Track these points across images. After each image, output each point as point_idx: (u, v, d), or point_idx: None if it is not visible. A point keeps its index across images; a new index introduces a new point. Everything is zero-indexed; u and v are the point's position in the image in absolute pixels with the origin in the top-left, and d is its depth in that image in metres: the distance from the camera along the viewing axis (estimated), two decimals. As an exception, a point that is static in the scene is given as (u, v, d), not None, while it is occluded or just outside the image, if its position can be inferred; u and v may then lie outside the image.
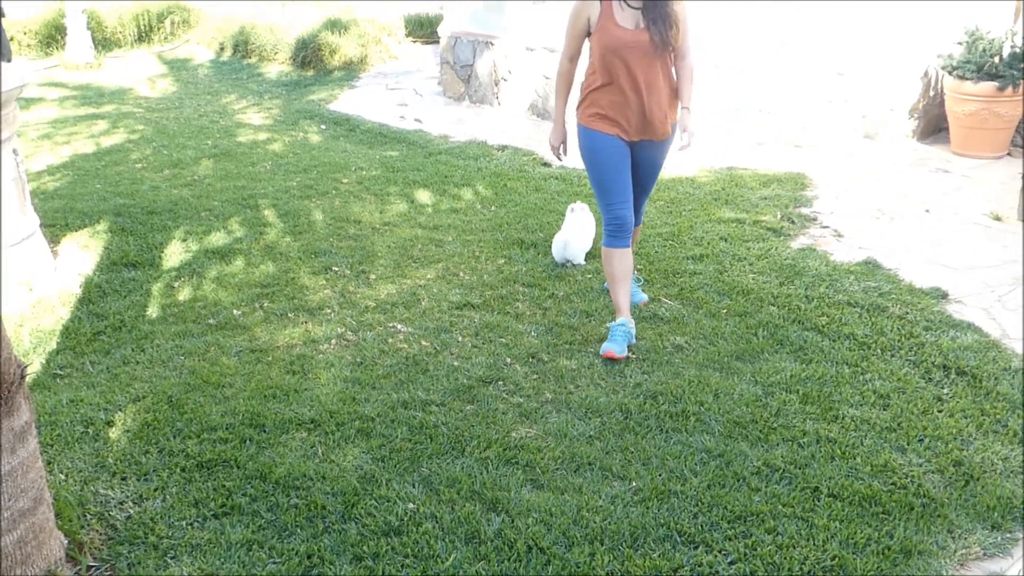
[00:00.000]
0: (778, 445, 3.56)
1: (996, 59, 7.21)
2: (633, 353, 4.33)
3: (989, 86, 7.16)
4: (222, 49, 13.87)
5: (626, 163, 4.33)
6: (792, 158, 7.59)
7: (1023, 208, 5.95)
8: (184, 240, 5.88)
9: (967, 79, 7.27)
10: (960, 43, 7.45)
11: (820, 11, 7.93)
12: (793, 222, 6.08)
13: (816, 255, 5.48)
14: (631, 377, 4.11)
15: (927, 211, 6.23)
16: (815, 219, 6.14)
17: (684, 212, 6.31)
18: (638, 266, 5.23)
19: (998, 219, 5.99)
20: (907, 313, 4.65)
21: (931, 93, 7.80)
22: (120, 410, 3.85)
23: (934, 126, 7.96)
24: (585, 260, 5.44)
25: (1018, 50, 7.18)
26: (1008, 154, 7.42)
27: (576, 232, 5.37)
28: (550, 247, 5.67)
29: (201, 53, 14.03)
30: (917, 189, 6.66)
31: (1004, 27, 7.46)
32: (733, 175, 7.16)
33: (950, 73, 7.43)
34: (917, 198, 6.48)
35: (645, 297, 4.89)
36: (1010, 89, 7.12)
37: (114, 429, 3.72)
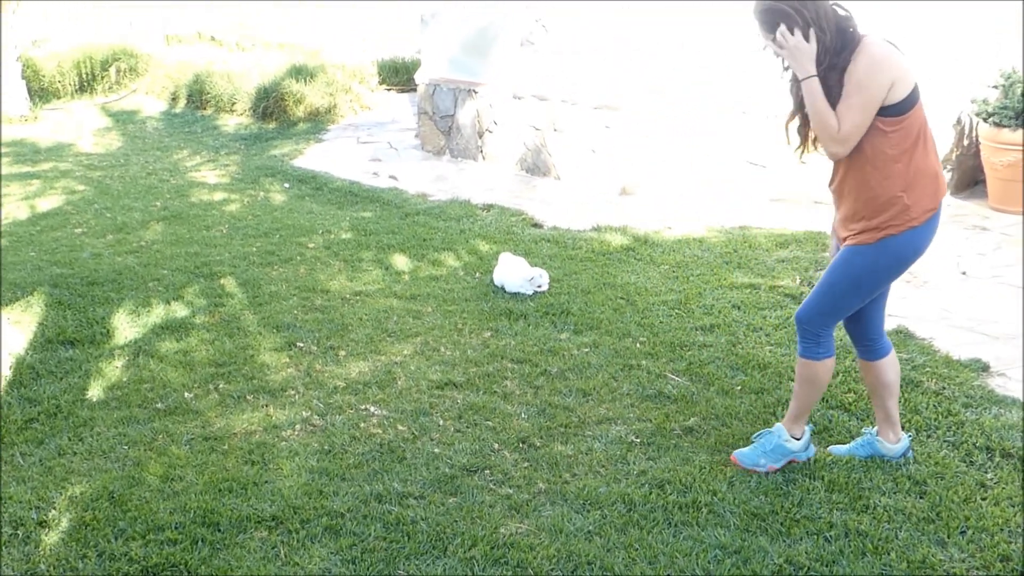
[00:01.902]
0: (801, 539, 3.57)
1: (1035, 104, 7.37)
2: (637, 437, 4.35)
3: (1029, 134, 7.30)
4: (174, 99, 14.05)
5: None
6: (811, 215, 7.70)
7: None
8: (129, 314, 5.91)
9: (1004, 126, 7.42)
10: (995, 86, 7.62)
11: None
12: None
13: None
14: (635, 464, 4.13)
15: (964, 273, 6.31)
16: (839, 283, 6.20)
17: (692, 277, 6.39)
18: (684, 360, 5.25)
19: (1043, 281, 6.07)
20: (944, 388, 4.70)
21: (965, 142, 7.95)
22: (54, 508, 3.83)
23: (969, 178, 8.10)
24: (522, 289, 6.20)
25: (1059, 94, 7.35)
26: (1052, 209, 7.54)
27: (507, 269, 6.36)
28: (542, 317, 5.74)
29: (150, 104, 14.22)
30: (952, 249, 6.75)
31: (1043, 69, 7.64)
32: (746, 235, 7.25)
33: (985, 120, 7.58)
34: (952, 259, 6.57)
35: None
36: (1052, 137, 7.27)
37: (47, 530, 3.70)
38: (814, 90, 3.61)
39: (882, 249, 3.72)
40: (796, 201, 8.14)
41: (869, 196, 3.67)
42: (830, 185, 3.87)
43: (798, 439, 4.03)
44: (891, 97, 3.55)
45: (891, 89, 3.54)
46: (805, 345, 3.96)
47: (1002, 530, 3.60)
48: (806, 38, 3.57)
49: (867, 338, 4.07)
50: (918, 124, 3.63)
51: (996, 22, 7.71)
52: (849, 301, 3.90)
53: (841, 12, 3.61)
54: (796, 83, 3.71)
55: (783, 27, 3.58)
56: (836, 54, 3.58)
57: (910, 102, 3.59)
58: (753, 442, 4.10)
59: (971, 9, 7.53)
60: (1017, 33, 7.74)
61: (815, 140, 3.81)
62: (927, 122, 3.69)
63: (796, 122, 3.86)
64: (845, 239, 3.82)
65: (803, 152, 3.91)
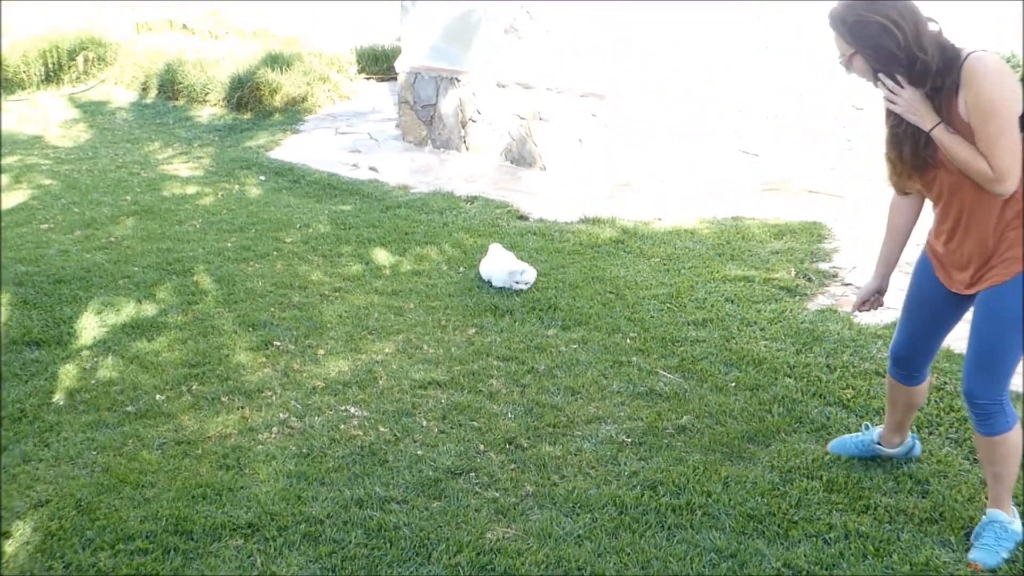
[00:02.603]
0: (800, 542, 3.55)
1: (1032, 89, 7.38)
2: (627, 436, 4.32)
3: None
4: (144, 89, 13.98)
5: (925, 296, 3.76)
6: (807, 206, 7.70)
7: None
8: (98, 313, 5.86)
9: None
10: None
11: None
12: (810, 279, 6.14)
13: (838, 317, 5.53)
14: (626, 464, 4.10)
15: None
16: (835, 275, 6.20)
17: (683, 270, 6.37)
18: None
19: (1044, 272, 6.07)
20: (945, 383, 4.68)
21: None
22: (19, 518, 3.79)
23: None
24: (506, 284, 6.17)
25: (1057, 79, 7.36)
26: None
27: (495, 262, 6.30)
28: (528, 313, 5.72)
29: (120, 94, 14.14)
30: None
31: (1038, 53, 7.66)
32: (739, 226, 7.24)
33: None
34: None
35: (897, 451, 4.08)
36: (1049, 124, 7.27)
37: (11, 541, 3.66)
38: (946, 138, 3.24)
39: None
40: (790, 191, 8.14)
41: (1000, 228, 3.36)
42: (939, 229, 3.60)
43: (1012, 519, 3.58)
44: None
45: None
46: (991, 422, 3.49)
47: (1008, 530, 3.58)
48: (906, 59, 3.20)
49: (916, 369, 3.82)
50: None
51: (996, 22, 7.72)
52: (1015, 354, 3.45)
53: (933, 27, 3.23)
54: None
55: (886, 78, 3.26)
56: (941, 76, 3.22)
57: None
58: (976, 541, 3.53)
59: (970, 9, 7.53)
60: (1017, 33, 7.76)
61: (903, 169, 3.50)
62: None
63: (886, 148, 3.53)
64: (973, 282, 3.48)
65: (896, 179, 3.59)
